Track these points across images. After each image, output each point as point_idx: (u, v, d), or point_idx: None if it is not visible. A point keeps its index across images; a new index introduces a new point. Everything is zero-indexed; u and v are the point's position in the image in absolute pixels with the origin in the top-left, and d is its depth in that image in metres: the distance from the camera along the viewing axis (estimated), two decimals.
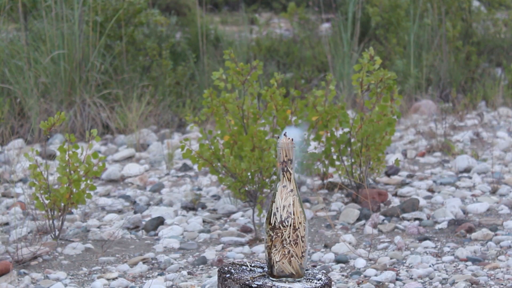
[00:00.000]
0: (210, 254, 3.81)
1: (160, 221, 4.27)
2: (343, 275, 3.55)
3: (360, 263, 3.66)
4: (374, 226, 4.16)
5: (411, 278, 3.49)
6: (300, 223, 2.57)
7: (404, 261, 3.70)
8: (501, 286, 3.38)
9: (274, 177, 4.22)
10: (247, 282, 2.54)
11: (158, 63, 7.22)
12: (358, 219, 4.30)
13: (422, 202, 4.50)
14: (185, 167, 5.46)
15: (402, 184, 4.96)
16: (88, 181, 3.99)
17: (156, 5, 9.31)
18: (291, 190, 2.58)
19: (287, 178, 2.58)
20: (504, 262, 3.62)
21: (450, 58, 7.83)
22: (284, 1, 11.69)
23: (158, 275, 3.56)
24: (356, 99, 4.81)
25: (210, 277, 3.52)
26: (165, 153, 5.62)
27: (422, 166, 5.42)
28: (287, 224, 2.56)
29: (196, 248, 3.95)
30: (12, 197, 4.75)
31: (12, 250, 3.72)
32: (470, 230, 4.04)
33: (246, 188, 4.24)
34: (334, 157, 4.76)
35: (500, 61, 8.44)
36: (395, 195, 4.76)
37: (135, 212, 4.51)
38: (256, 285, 2.53)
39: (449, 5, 8.10)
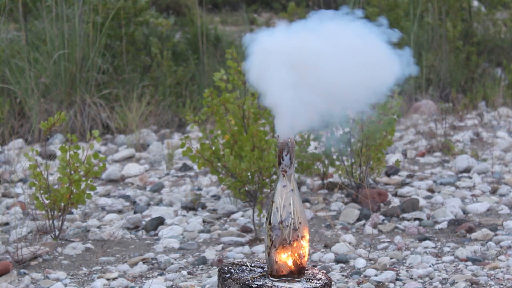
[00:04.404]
0: (210, 254, 3.81)
1: (160, 221, 4.27)
2: (343, 275, 3.55)
3: (360, 263, 3.66)
4: (374, 226, 4.16)
5: (411, 278, 3.49)
6: (300, 223, 2.57)
7: (404, 261, 3.70)
8: (501, 286, 3.38)
9: (274, 177, 4.22)
10: (247, 282, 2.54)
11: (158, 63, 7.21)
12: (358, 219, 4.30)
13: (422, 202, 4.50)
14: (185, 167, 5.45)
15: (402, 184, 4.96)
16: (88, 181, 3.99)
17: (156, 5, 9.30)
18: (291, 190, 2.58)
19: (287, 178, 2.59)
20: (504, 262, 3.62)
21: (450, 58, 7.82)
22: (284, 1, 11.69)
23: (158, 275, 3.56)
24: None
25: (210, 277, 3.52)
26: (165, 153, 5.62)
27: (422, 166, 5.42)
28: (287, 224, 2.56)
29: (196, 248, 3.95)
30: (12, 197, 4.75)
31: (12, 250, 3.72)
32: (470, 230, 4.04)
33: (246, 188, 4.24)
34: (334, 157, 4.76)
35: (500, 61, 8.44)
36: (395, 195, 4.76)
37: (135, 212, 4.51)
38: (256, 285, 2.53)
39: (450, 5, 8.09)
